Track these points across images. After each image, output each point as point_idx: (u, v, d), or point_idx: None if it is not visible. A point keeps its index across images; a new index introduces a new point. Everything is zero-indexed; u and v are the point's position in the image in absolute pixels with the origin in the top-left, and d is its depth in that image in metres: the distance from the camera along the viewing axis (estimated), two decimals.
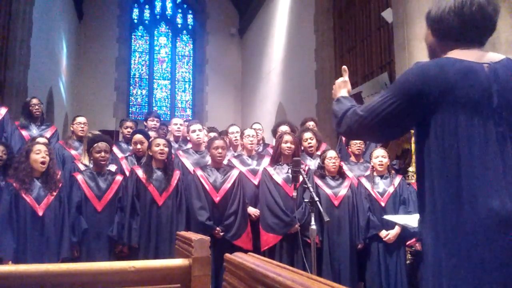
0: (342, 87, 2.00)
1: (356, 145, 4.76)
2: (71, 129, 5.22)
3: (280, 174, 4.21)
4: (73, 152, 4.91)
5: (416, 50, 6.08)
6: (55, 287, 1.48)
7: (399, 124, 1.53)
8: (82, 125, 5.10)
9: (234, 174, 4.28)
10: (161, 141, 4.20)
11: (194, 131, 4.75)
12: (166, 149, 4.16)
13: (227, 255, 1.27)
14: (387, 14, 7.15)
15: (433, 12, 1.58)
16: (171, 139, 5.32)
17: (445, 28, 1.53)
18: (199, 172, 4.23)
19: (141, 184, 4.06)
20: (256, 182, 4.44)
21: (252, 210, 4.32)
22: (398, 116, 1.48)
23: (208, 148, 4.37)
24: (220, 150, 4.23)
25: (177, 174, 4.24)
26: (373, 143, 4.86)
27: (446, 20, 1.52)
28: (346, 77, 2.03)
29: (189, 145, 5.07)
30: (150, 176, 4.08)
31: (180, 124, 5.49)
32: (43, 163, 3.67)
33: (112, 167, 4.51)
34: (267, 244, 4.06)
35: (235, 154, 4.90)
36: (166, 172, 4.15)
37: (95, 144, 4.07)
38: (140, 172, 4.10)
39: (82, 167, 4.39)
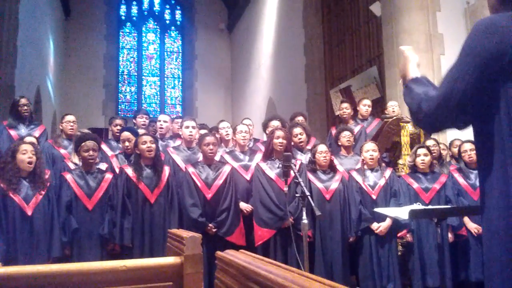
0: (412, 61, 1.65)
1: (346, 137, 4.78)
2: (60, 127, 5.17)
3: (272, 169, 4.22)
4: (62, 151, 4.86)
5: (404, 43, 6.11)
6: None
7: (480, 98, 1.33)
8: (71, 124, 5.05)
9: (226, 170, 4.27)
10: (147, 138, 4.17)
11: (187, 127, 4.72)
12: (153, 146, 4.13)
13: (219, 252, 1.27)
14: (376, 8, 7.17)
15: None
16: (158, 136, 5.29)
17: None
18: (191, 169, 4.22)
19: (131, 183, 4.04)
20: (248, 178, 4.44)
21: (244, 206, 4.32)
22: (478, 87, 1.30)
23: (199, 145, 4.35)
24: (211, 147, 4.22)
25: (166, 170, 4.22)
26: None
27: None
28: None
29: (178, 142, 5.04)
30: (140, 174, 4.06)
31: (164, 121, 5.44)
32: (30, 163, 3.63)
33: (103, 166, 4.48)
34: (261, 239, 4.07)
35: (227, 149, 4.89)
36: (156, 169, 4.13)
37: (83, 143, 4.04)
38: (129, 171, 4.08)
39: (72, 166, 4.35)
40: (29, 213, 3.56)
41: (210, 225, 4.03)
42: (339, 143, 4.89)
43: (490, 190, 1.32)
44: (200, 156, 4.47)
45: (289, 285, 0.71)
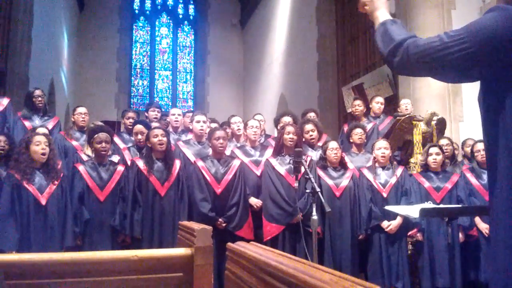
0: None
1: (358, 134, 4.76)
2: (72, 119, 5.22)
3: (282, 165, 4.22)
4: (74, 142, 4.91)
5: None
6: (59, 275, 1.50)
7: (465, 72, 1.31)
8: (83, 116, 5.10)
9: (235, 165, 4.28)
10: (158, 131, 4.19)
11: (198, 121, 4.74)
12: (165, 139, 4.15)
13: (230, 244, 1.28)
14: (390, 5, 7.11)
15: None
16: (170, 129, 5.32)
17: None
18: (200, 163, 4.23)
19: (142, 175, 4.07)
20: (258, 173, 4.45)
21: (254, 201, 4.34)
22: (467, 62, 1.27)
23: (209, 139, 4.36)
24: (221, 141, 4.23)
25: (177, 163, 4.24)
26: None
27: None
28: None
29: (190, 136, 5.07)
30: (151, 167, 4.08)
31: (178, 114, 5.49)
32: (43, 154, 3.68)
33: (115, 158, 4.52)
34: (270, 234, 4.08)
35: (238, 144, 4.90)
36: (167, 162, 4.15)
37: (96, 135, 4.08)
38: (141, 164, 4.11)
39: (85, 158, 4.40)
40: (43, 202, 3.61)
41: (219, 219, 4.05)
42: (351, 140, 4.88)
43: (499, 191, 1.26)
44: (210, 151, 4.48)
45: (300, 276, 0.72)
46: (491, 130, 1.30)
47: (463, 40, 1.26)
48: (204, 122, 4.77)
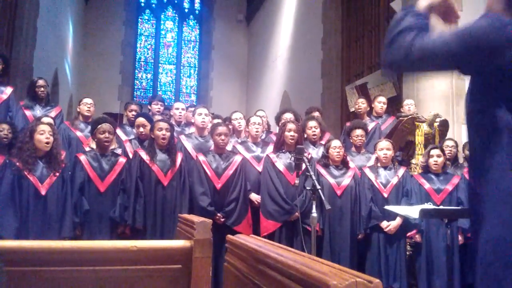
0: None
1: (358, 137, 4.75)
2: (78, 110, 5.22)
3: (282, 161, 4.22)
4: (78, 133, 4.92)
5: None
6: (58, 264, 1.50)
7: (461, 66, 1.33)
8: (89, 106, 5.11)
9: (236, 160, 4.29)
10: (163, 125, 4.20)
11: (200, 114, 4.74)
12: (168, 134, 4.16)
13: (229, 236, 1.28)
14: (397, 5, 7.08)
15: None
16: (173, 123, 5.32)
17: None
18: (201, 158, 4.24)
19: (145, 165, 4.07)
20: (260, 169, 4.45)
21: (255, 197, 4.34)
22: (453, 64, 1.31)
23: (211, 134, 4.37)
24: (223, 137, 4.23)
25: (179, 155, 4.25)
26: None
27: None
28: None
29: (192, 129, 5.07)
30: (154, 157, 4.09)
31: (182, 109, 5.49)
32: (47, 143, 3.67)
33: (119, 150, 4.52)
34: (267, 230, 4.09)
35: (240, 140, 4.90)
36: (170, 153, 4.16)
37: (99, 126, 4.08)
38: (143, 154, 4.11)
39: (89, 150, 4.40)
40: (43, 192, 3.61)
41: (218, 214, 4.06)
42: (351, 140, 4.87)
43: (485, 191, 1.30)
44: (212, 145, 4.48)
45: (299, 267, 0.72)
46: (476, 133, 1.33)
47: (449, 44, 1.27)
48: (206, 115, 4.77)
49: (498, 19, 1.25)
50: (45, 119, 4.31)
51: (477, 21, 1.28)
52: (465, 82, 5.52)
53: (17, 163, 3.56)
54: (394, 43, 1.34)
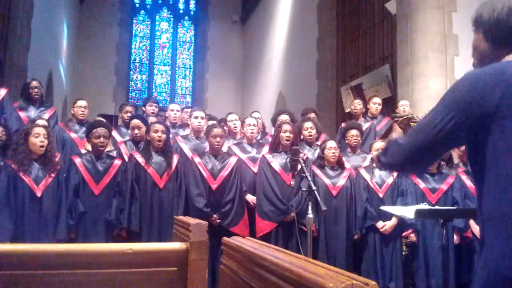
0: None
1: (353, 137, 4.76)
2: (72, 112, 5.21)
3: (278, 162, 4.22)
4: (73, 135, 4.91)
5: (418, 43, 6.07)
6: (52, 267, 1.49)
7: (450, 142, 1.38)
8: (83, 109, 5.09)
9: (232, 161, 4.29)
10: (159, 127, 4.19)
11: (196, 117, 4.75)
12: (164, 136, 4.16)
13: (225, 238, 1.27)
14: (391, 6, 7.11)
15: (486, 15, 1.40)
16: (168, 124, 5.31)
17: (503, 31, 1.37)
18: (197, 159, 4.23)
19: (140, 168, 4.06)
20: (255, 170, 4.45)
21: (251, 198, 4.34)
22: (452, 132, 1.33)
23: (207, 136, 4.37)
24: (218, 139, 4.23)
25: (175, 157, 4.24)
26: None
27: (504, 22, 1.36)
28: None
29: (187, 131, 5.07)
30: (149, 160, 4.08)
31: (177, 110, 5.49)
32: (42, 146, 3.66)
33: (113, 152, 4.51)
34: (262, 231, 4.09)
35: (235, 141, 4.90)
36: (165, 155, 4.15)
37: (94, 130, 4.06)
38: (138, 157, 4.10)
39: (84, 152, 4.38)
40: (39, 194, 3.59)
41: (214, 216, 4.05)
42: (346, 141, 4.88)
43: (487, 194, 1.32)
44: (207, 146, 4.48)
45: (295, 270, 0.72)
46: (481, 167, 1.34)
47: (441, 113, 1.33)
48: (202, 118, 4.78)
49: (475, 76, 1.31)
50: (40, 122, 4.30)
51: (457, 83, 1.35)
52: None
53: (12, 165, 3.55)
54: (387, 151, 1.48)
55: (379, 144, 4.42)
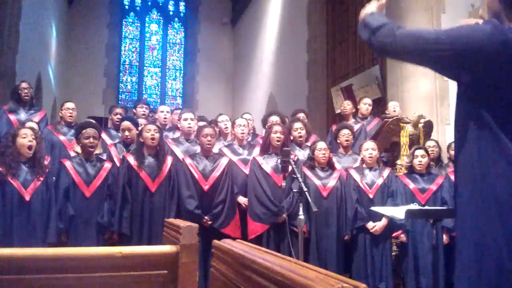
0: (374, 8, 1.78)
1: (345, 136, 4.78)
2: (60, 114, 5.17)
3: (269, 164, 4.23)
4: (61, 137, 4.86)
5: None
6: (42, 271, 1.48)
7: (442, 70, 1.45)
8: (71, 111, 5.06)
9: (223, 162, 4.28)
10: (152, 126, 4.17)
11: (186, 119, 4.73)
12: (157, 135, 4.14)
13: (215, 241, 1.27)
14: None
15: None
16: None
17: None
18: (188, 161, 4.22)
19: (132, 171, 4.03)
20: (247, 172, 4.45)
21: (243, 200, 4.34)
22: (442, 63, 1.37)
23: (197, 136, 4.36)
24: (209, 138, 4.23)
25: (169, 160, 4.21)
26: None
27: None
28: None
29: (178, 134, 5.05)
30: (142, 162, 4.05)
31: (167, 112, 5.48)
32: (29, 147, 3.62)
33: (103, 155, 4.48)
34: (254, 233, 4.08)
35: (226, 143, 4.89)
36: (158, 158, 4.12)
37: (84, 130, 4.03)
38: (131, 159, 4.07)
39: (73, 155, 4.35)
40: (27, 198, 3.55)
41: (205, 217, 4.04)
42: (338, 141, 4.90)
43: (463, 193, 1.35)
44: (198, 148, 4.47)
45: (286, 273, 0.72)
46: (461, 135, 1.37)
47: (443, 43, 1.35)
48: (192, 119, 4.76)
49: (498, 27, 1.31)
50: (28, 124, 4.26)
51: (478, 26, 1.36)
52: (449, 83, 5.59)
53: (0, 168, 3.50)
54: (378, 30, 1.54)
55: (369, 144, 4.44)
